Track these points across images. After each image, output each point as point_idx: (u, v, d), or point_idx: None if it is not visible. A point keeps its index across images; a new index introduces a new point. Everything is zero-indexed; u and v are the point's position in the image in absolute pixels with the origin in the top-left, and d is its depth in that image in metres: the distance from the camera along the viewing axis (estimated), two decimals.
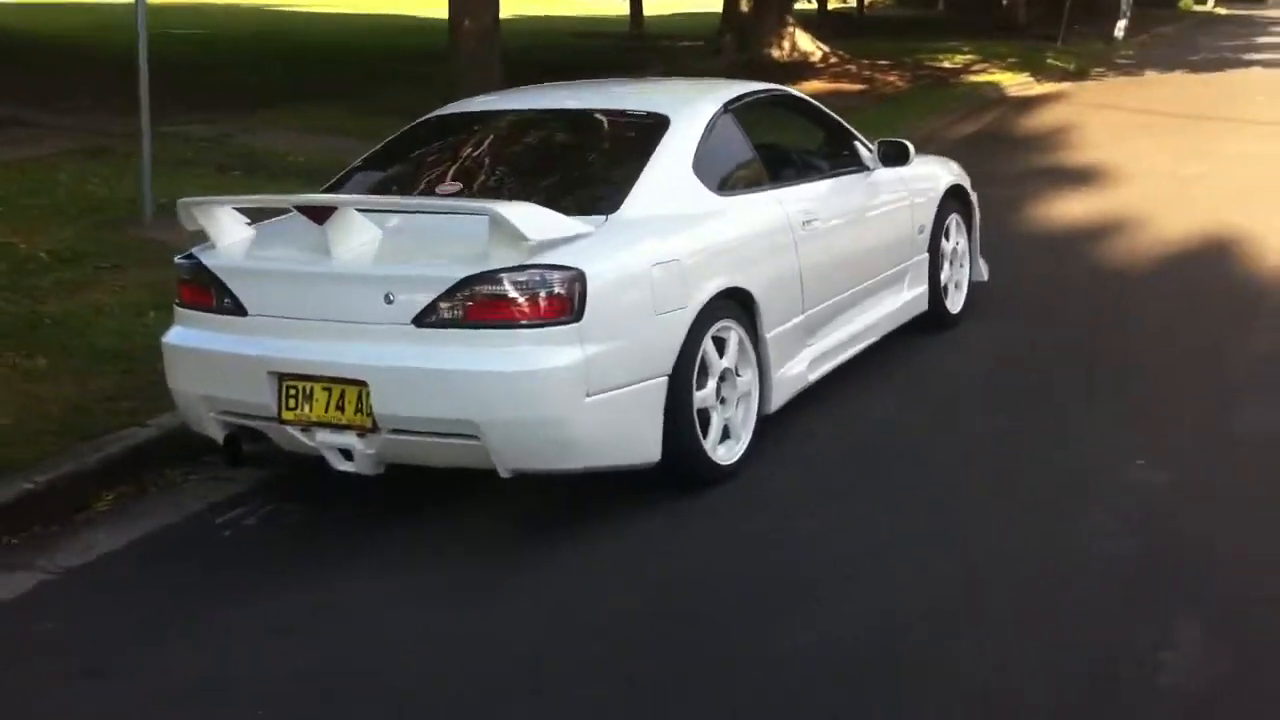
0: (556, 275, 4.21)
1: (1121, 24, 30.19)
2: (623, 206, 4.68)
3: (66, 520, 4.87)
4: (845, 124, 6.16)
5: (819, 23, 26.84)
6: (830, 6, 38.35)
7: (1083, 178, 11.37)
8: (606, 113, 5.55)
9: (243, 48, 22.02)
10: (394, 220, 4.67)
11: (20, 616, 4.19)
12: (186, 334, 4.83)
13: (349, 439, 4.47)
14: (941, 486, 4.88)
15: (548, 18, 32.91)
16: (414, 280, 4.31)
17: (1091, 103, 17.40)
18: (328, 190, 5.33)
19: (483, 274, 4.21)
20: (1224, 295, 7.53)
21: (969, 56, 22.87)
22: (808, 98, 6.32)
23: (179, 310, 4.91)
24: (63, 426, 5.39)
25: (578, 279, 4.22)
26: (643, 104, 5.54)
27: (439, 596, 4.16)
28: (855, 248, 5.83)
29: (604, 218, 4.59)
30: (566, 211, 4.48)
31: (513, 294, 4.20)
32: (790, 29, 21.17)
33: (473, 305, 4.22)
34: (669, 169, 4.92)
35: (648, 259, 4.55)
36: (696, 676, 3.56)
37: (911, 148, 6.13)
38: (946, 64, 21.87)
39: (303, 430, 4.54)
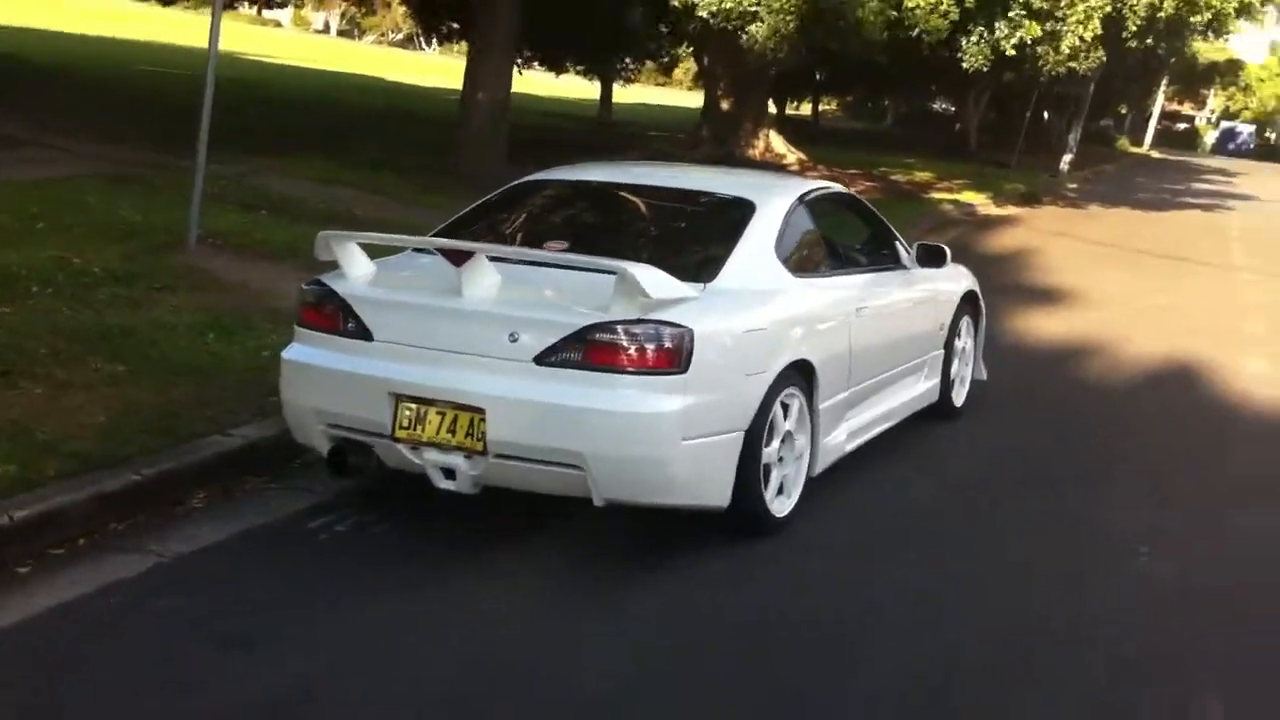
0: (669, 331, 4.74)
1: (1067, 158, 31.73)
2: (718, 277, 5.24)
3: (165, 513, 5.24)
4: (890, 226, 6.80)
5: (777, 124, 27.88)
6: (786, 112, 39.78)
7: (1052, 298, 12.17)
8: (696, 193, 6.17)
9: (222, 92, 22.38)
10: (514, 268, 5.16)
11: (146, 593, 4.54)
12: (307, 352, 5.26)
13: (455, 459, 4.92)
14: (967, 550, 5.48)
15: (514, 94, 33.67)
16: (539, 323, 4.81)
17: (1047, 230, 18.40)
18: (436, 236, 5.81)
19: (604, 323, 4.73)
20: (1198, 413, 8.29)
21: (928, 174, 23.94)
22: (863, 199, 6.97)
23: (300, 330, 5.34)
24: (153, 428, 5.75)
25: (687, 336, 4.75)
26: (729, 189, 6.15)
27: (548, 605, 4.60)
28: (893, 336, 6.44)
29: (702, 285, 5.13)
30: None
31: (628, 343, 4.71)
32: (766, 130, 22.07)
33: (591, 349, 4.72)
34: (756, 248, 5.50)
35: (742, 325, 5.11)
36: (784, 695, 4.04)
37: (948, 252, 6.79)
38: (909, 179, 22.89)
39: (411, 448, 4.98)
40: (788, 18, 14.45)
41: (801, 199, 6.03)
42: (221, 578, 4.73)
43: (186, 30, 42.79)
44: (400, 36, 79.16)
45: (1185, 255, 16.50)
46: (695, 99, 44.99)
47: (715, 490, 5.00)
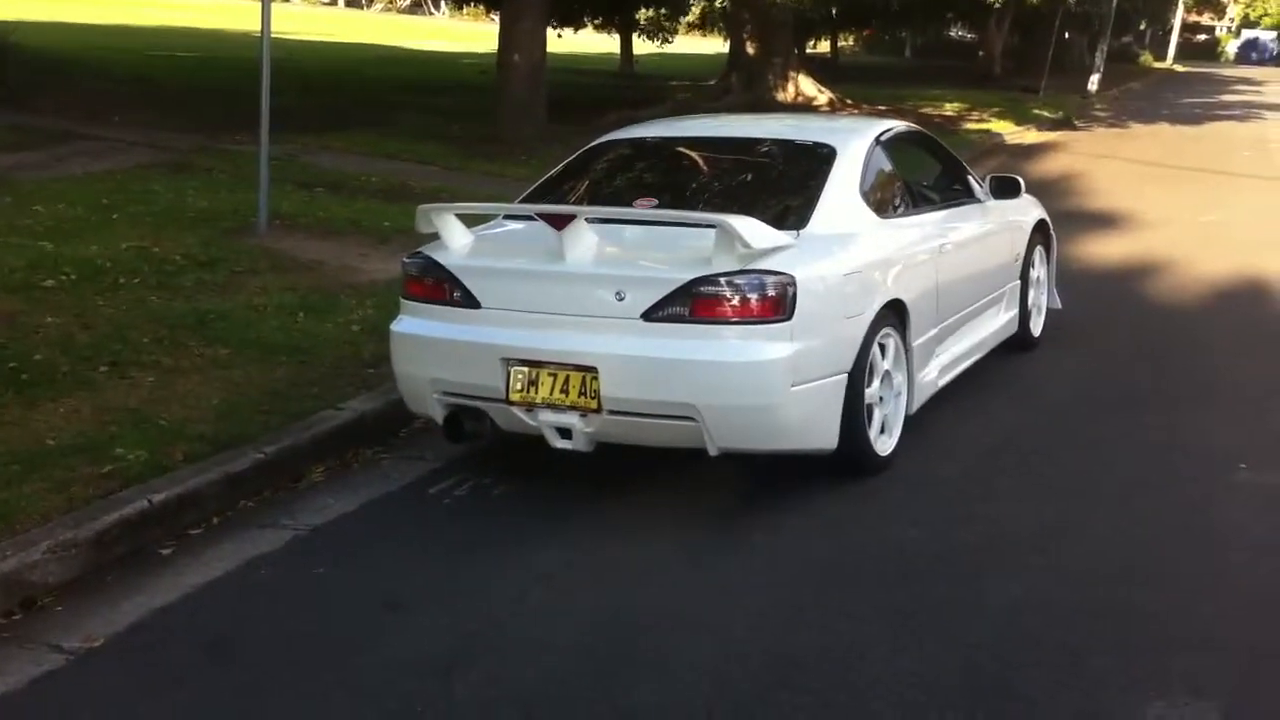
0: (771, 280, 4.87)
1: (1095, 78, 31.44)
2: (810, 224, 5.36)
3: (289, 488, 5.44)
4: (961, 160, 6.89)
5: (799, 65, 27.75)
6: (807, 52, 39.52)
7: (1108, 222, 12.21)
8: (777, 141, 6.28)
9: (247, 72, 22.51)
10: (610, 228, 5.30)
11: (295, 563, 4.73)
12: (415, 323, 5.42)
13: (570, 419, 5.08)
14: (1077, 479, 5.59)
15: None
16: (645, 281, 4.95)
17: (1089, 152, 18.36)
18: (523, 202, 5.95)
19: (708, 276, 4.86)
20: (1272, 330, 8.33)
21: (959, 105, 23.85)
22: (933, 136, 7.06)
23: (406, 303, 5.50)
24: (265, 407, 5.94)
25: (790, 283, 4.88)
26: (808, 135, 6.27)
27: (677, 554, 4.76)
28: (974, 270, 6.55)
29: (796, 233, 5.25)
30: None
31: (733, 295, 4.84)
32: (794, 73, 22.02)
33: (698, 303, 4.86)
34: (842, 193, 5.62)
35: (839, 269, 5.23)
36: (924, 619, 4.20)
37: (1022, 183, 6.89)
38: (940, 112, 22.81)
39: (526, 410, 5.14)
40: None
41: (878, 139, 6.13)
42: (359, 545, 4.91)
43: (190, 13, 42.95)
44: (407, 3, 78.93)
45: (1231, 169, 16.45)
46: (712, 46, 44.79)
47: (824, 433, 5.14)
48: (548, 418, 5.11)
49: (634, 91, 23.98)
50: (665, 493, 5.42)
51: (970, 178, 6.89)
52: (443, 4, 67.56)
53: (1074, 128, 22.79)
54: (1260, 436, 6.18)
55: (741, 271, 4.86)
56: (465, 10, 52.02)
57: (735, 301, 4.84)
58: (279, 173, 11.90)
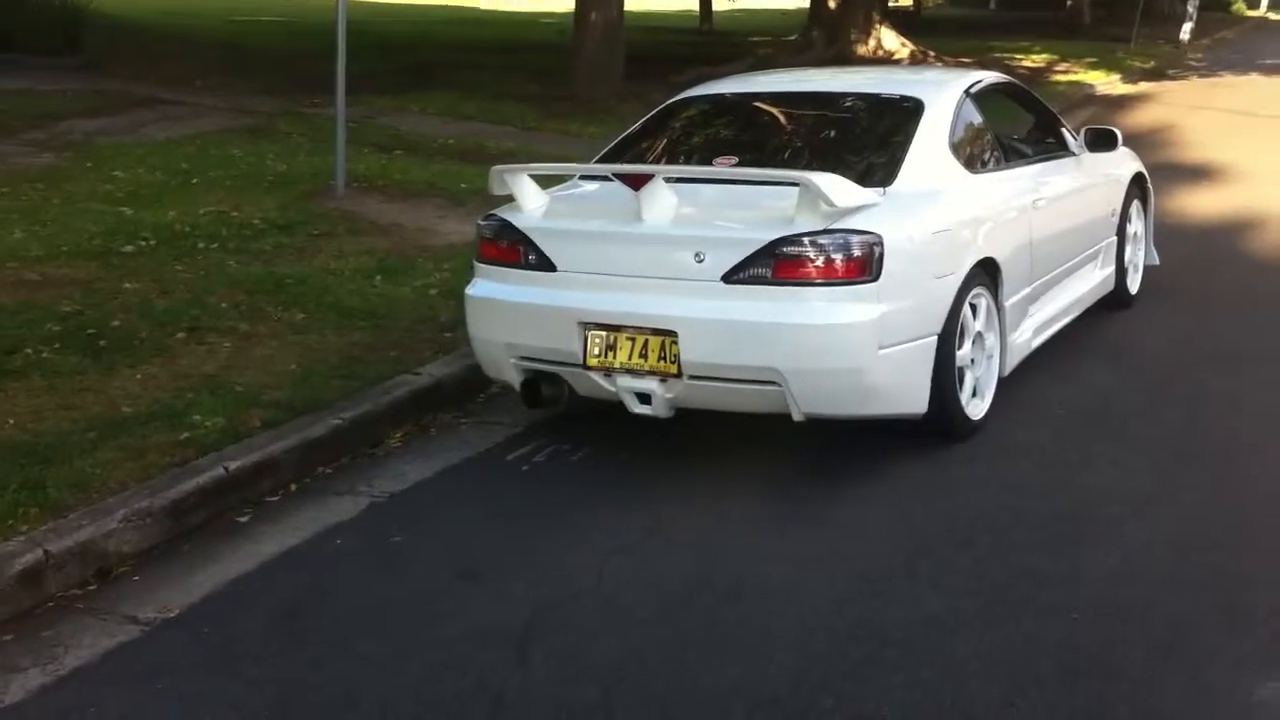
0: (857, 239, 4.68)
1: (1187, 26, 30.48)
2: (896, 180, 5.15)
3: (368, 454, 5.37)
4: (1055, 112, 6.62)
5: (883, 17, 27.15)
6: (888, 4, 38.80)
7: (1204, 175, 11.79)
8: (861, 95, 6.05)
9: (325, 37, 22.58)
10: (690, 187, 5.13)
11: (372, 531, 4.66)
12: (490, 287, 5.31)
13: (650, 384, 4.94)
14: (1175, 442, 5.35)
15: None
16: (725, 241, 4.78)
17: (1182, 103, 17.78)
18: (599, 163, 5.80)
19: (791, 236, 4.68)
20: None
21: (1047, 55, 23.24)
22: (1026, 87, 6.79)
23: (480, 266, 5.39)
24: (343, 372, 5.88)
25: (877, 243, 4.69)
26: (894, 88, 6.03)
27: (759, 524, 4.63)
28: (1069, 225, 6.29)
29: (882, 190, 5.05)
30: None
31: (817, 255, 4.66)
32: (876, 26, 21.59)
33: (780, 264, 4.68)
34: (930, 147, 5.40)
35: (928, 227, 5.03)
36: (1018, 591, 4.02)
37: (1119, 135, 6.60)
38: (1027, 63, 22.25)
39: (604, 375, 5.02)
40: None
41: (967, 92, 5.89)
42: (436, 513, 4.83)
43: None
44: None
45: None
46: (793, 1, 44.11)
47: (913, 397, 4.96)
48: (626, 383, 4.98)
49: (713, 48, 23.65)
50: (748, 460, 5.27)
51: (1064, 130, 6.62)
52: None
53: (1166, 77, 22.10)
54: None
55: (825, 231, 4.68)
56: None
57: (819, 262, 4.67)
58: (357, 135, 11.88)
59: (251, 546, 4.53)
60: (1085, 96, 18.48)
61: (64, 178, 9.24)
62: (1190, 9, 31.12)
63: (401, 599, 4.12)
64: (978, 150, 5.78)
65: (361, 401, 5.58)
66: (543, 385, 5.24)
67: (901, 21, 28.31)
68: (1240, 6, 52.72)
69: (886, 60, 20.59)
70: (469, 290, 5.40)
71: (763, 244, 4.70)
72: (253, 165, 10.15)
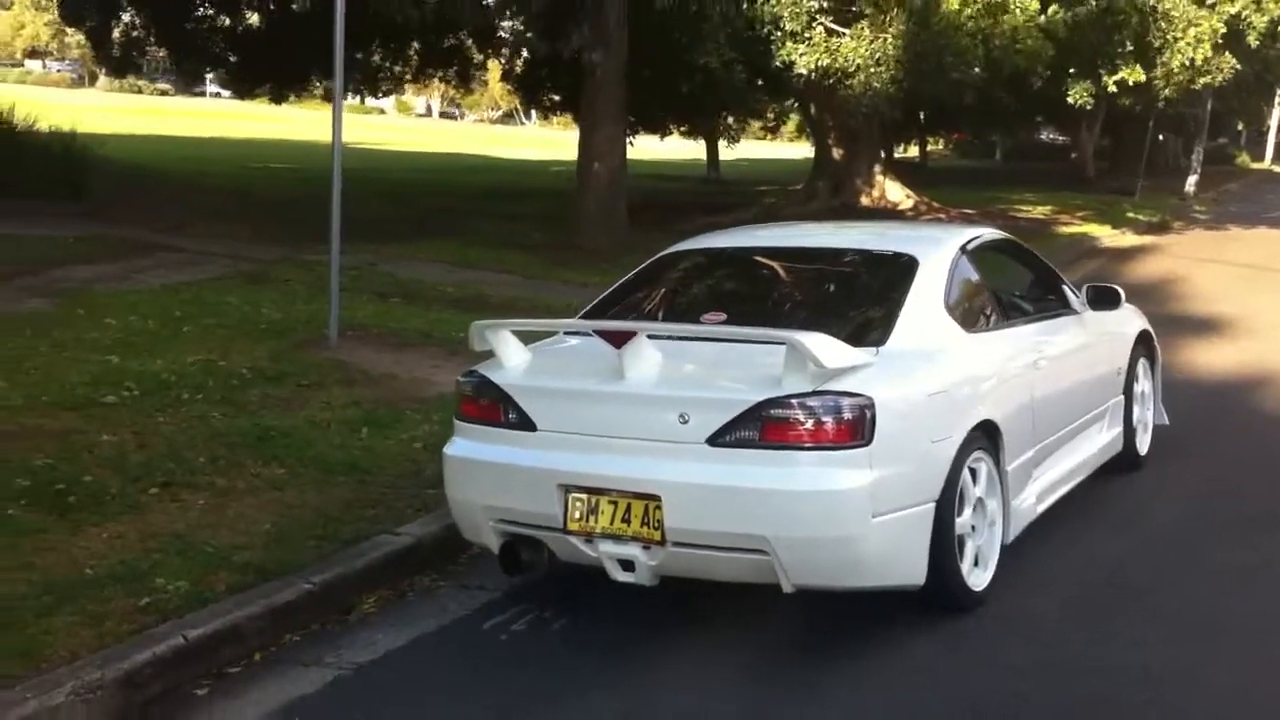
0: (848, 401, 4.48)
1: (1192, 179, 30.78)
2: (890, 340, 4.97)
3: (339, 620, 5.11)
4: (1055, 269, 6.48)
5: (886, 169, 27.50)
6: (895, 156, 39.35)
7: (1213, 329, 11.65)
8: (855, 251, 5.91)
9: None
10: (676, 345, 4.96)
11: (334, 709, 4.39)
12: (469, 446, 5.11)
13: (633, 550, 4.70)
14: (1193, 615, 5.06)
15: None
16: (710, 402, 4.59)
17: (1189, 255, 17.77)
18: (585, 317, 5.65)
19: (779, 398, 4.49)
20: None
21: (1051, 208, 23.39)
22: (1023, 244, 6.67)
23: (460, 424, 5.19)
24: (318, 532, 5.65)
25: (869, 405, 4.49)
26: (887, 245, 5.89)
27: (746, 705, 4.34)
28: (1072, 385, 6.10)
29: (875, 350, 4.87)
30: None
31: (806, 418, 4.46)
32: (880, 177, 21.77)
33: (768, 427, 4.48)
34: (925, 306, 5.23)
35: (923, 389, 4.83)
36: None
37: (1122, 293, 6.45)
38: (1032, 215, 22.37)
39: (585, 541, 4.78)
40: (881, 71, 14.44)
41: (963, 249, 5.74)
42: (404, 689, 4.56)
43: (290, 125, 44.00)
44: (500, 114, 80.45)
45: None
46: (799, 151, 44.83)
47: (909, 568, 4.71)
48: (609, 549, 4.75)
49: (719, 197, 23.91)
50: (737, 631, 4.99)
51: (1065, 287, 6.47)
52: (533, 114, 68.79)
53: (1172, 230, 22.19)
54: None
55: (815, 393, 4.49)
56: (554, 120, 52.80)
57: (809, 425, 4.46)
58: (357, 282, 11.83)
59: None
60: (1091, 249, 18.49)
61: (54, 324, 9.12)
62: (1195, 161, 31.46)
63: None
64: (975, 308, 5.61)
65: (334, 564, 5.33)
66: (522, 550, 5.01)
67: (907, 172, 28.65)
68: (1245, 159, 53.44)
69: (891, 211, 20.70)
70: (447, 449, 5.20)
71: (749, 405, 4.51)
72: (247, 313, 10.04)
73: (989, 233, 6.33)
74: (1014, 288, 6.59)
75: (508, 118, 79.65)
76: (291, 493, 6.15)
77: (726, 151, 35.45)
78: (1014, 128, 42.63)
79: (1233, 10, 16.08)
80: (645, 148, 38.98)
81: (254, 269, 12.36)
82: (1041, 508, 5.70)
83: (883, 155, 30.91)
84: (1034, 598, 5.22)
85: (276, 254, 13.46)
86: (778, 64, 15.41)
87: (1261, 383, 9.41)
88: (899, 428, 4.60)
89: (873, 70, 14.25)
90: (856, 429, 4.47)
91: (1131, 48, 15.84)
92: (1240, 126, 54.47)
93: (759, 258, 6.00)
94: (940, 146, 53.11)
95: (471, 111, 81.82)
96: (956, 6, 14.14)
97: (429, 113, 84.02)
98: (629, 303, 5.76)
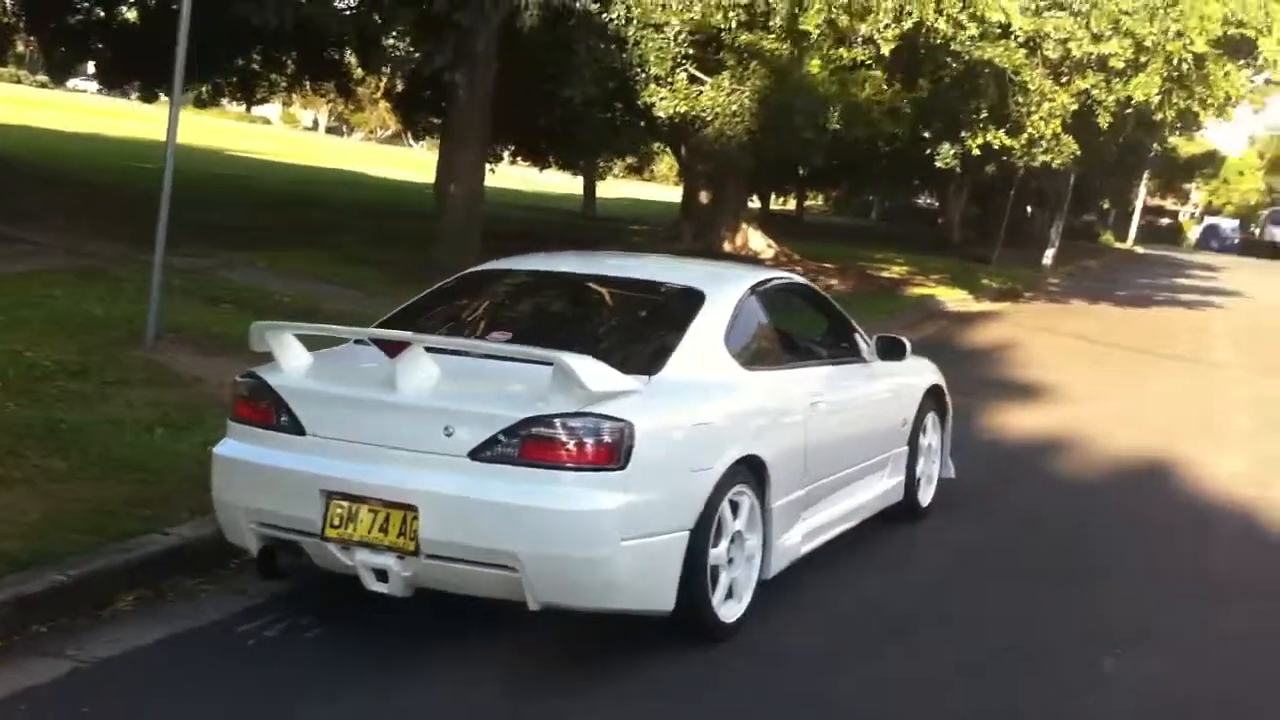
0: (607, 425, 4.57)
1: (1050, 253, 31.84)
2: (664, 370, 5.08)
3: (92, 615, 5.04)
4: (848, 317, 6.67)
5: (763, 219, 27.97)
6: (772, 207, 40.02)
7: (1030, 394, 12.04)
8: (645, 283, 6.04)
9: (204, 188, 22.46)
10: (453, 360, 5.02)
11: (63, 700, 4.33)
12: (239, 447, 5.10)
13: (387, 560, 4.73)
14: (928, 657, 5.25)
15: (498, 189, 34.01)
16: (474, 416, 4.65)
17: (1028, 324, 18.35)
18: (381, 327, 5.67)
19: (541, 417, 4.57)
20: (1170, 515, 8.10)
21: (907, 268, 23.97)
22: (819, 290, 6.86)
23: (232, 425, 5.18)
24: (86, 526, 5.56)
25: (627, 430, 4.58)
26: (679, 278, 6.03)
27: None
28: (851, 432, 6.27)
29: (647, 377, 4.98)
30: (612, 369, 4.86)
31: (566, 438, 4.55)
32: (744, 225, 22.12)
33: (528, 444, 4.56)
34: (703, 340, 5.36)
35: (687, 419, 4.95)
36: None
37: (908, 344, 6.67)
38: (886, 274, 22.90)
39: (342, 548, 4.79)
40: (736, 121, 14.81)
41: (754, 289, 5.91)
42: (138, 685, 4.52)
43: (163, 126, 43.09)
44: (389, 133, 79.83)
45: (1168, 352, 16.41)
46: (680, 194, 45.28)
47: (658, 593, 4.80)
48: (364, 557, 4.77)
49: (587, 232, 24.04)
50: (496, 647, 5.03)
51: (857, 335, 6.65)
52: (418, 135, 68.47)
53: (1021, 299, 22.89)
54: (1126, 624, 5.87)
55: (576, 414, 4.57)
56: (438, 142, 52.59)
57: (568, 445, 4.55)
58: (193, 287, 11.67)
59: None
60: (934, 311, 18.97)
61: None
62: (1054, 235, 32.55)
63: None
64: (757, 347, 5.76)
65: (94, 558, 5.25)
66: (279, 554, 5.00)
67: (782, 224, 29.16)
68: (1109, 238, 55.35)
69: (750, 259, 21.02)
70: (215, 449, 5.18)
71: (512, 422, 4.58)
72: (69, 308, 9.84)
73: (783, 276, 6.51)
74: (812, 332, 6.76)
75: (396, 138, 79.05)
76: (70, 486, 6.04)
77: (608, 189, 35.71)
78: (891, 188, 43.63)
79: (1084, 85, 16.67)
80: (527, 178, 39.11)
81: (91, 265, 12.12)
82: (808, 547, 5.85)
83: (757, 205, 31.48)
84: (785, 632, 5.35)
85: (120, 252, 13.19)
86: (639, 104, 15.64)
87: (1062, 446, 9.76)
88: (657, 454, 4.71)
89: (726, 119, 14.58)
90: (613, 452, 4.56)
91: (986, 114, 16.35)
92: (1106, 205, 56.36)
93: (558, 282, 6.10)
94: (820, 202, 54.08)
95: (359, 129, 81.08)
96: (816, 70, 14.53)
97: (315, 127, 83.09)
98: (427, 316, 5.80)
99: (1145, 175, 50.82)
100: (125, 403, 7.55)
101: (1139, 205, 58.28)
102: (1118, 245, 53.71)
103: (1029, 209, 38.78)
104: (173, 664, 4.74)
